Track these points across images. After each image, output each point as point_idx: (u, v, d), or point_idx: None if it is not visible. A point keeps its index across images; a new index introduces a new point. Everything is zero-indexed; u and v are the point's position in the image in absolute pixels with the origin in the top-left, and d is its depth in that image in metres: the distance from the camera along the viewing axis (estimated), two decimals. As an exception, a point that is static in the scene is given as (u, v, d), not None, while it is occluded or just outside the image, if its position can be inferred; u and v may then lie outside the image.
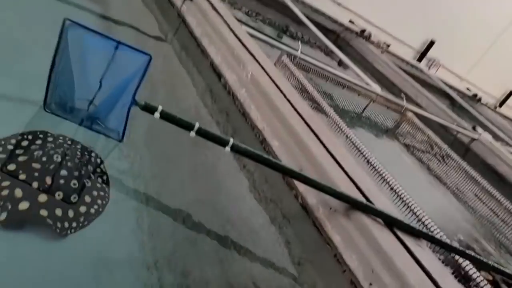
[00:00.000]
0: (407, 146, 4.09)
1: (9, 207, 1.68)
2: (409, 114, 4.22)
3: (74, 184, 2.00)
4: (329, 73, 3.77)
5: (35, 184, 1.81)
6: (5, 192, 1.72)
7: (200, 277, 1.96)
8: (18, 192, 1.74)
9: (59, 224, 1.75)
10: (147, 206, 2.19)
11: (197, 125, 1.48)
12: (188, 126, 1.48)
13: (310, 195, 1.81)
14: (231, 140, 1.54)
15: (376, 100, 4.09)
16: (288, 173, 1.64)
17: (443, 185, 3.68)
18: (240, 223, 1.98)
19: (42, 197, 1.77)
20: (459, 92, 7.43)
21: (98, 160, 2.21)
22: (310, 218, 1.79)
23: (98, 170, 2.18)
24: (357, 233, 1.65)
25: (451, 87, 7.05)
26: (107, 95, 1.50)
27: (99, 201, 1.99)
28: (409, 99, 4.85)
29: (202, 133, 1.51)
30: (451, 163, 3.81)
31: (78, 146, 2.16)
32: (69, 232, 1.77)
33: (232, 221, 2.00)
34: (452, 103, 6.67)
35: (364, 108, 4.07)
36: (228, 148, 1.53)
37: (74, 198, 1.90)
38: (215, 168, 2.18)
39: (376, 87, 4.10)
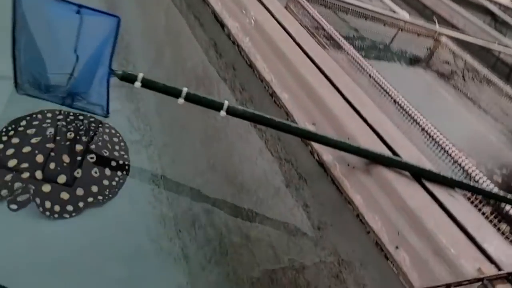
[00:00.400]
0: (442, 76, 3.75)
1: (32, 188, 1.69)
2: (443, 39, 3.82)
3: (92, 158, 1.94)
4: (349, 5, 3.42)
5: (52, 165, 1.78)
6: (25, 175, 1.72)
7: (221, 246, 1.88)
8: (39, 174, 1.73)
9: (81, 204, 1.73)
10: (163, 177, 2.11)
11: (185, 91, 1.31)
12: (175, 93, 1.32)
13: (326, 152, 1.63)
14: (226, 103, 1.36)
15: (405, 28, 3.71)
16: (294, 132, 1.46)
17: (485, 115, 3.36)
18: (255, 187, 1.85)
19: (61, 179, 1.76)
20: (501, 5, 6.72)
21: (113, 131, 2.15)
22: (328, 177, 1.62)
23: (115, 140, 2.12)
24: (379, 190, 1.47)
25: (491, 0, 6.38)
26: (82, 66, 1.34)
27: (119, 173, 1.94)
28: (444, 22, 4.40)
29: (192, 98, 1.35)
30: (493, 89, 3.45)
31: (92, 119, 2.10)
32: (99, 201, 1.76)
33: (247, 186, 1.87)
34: (494, 18, 6.05)
35: (392, 39, 3.71)
36: (223, 112, 1.36)
37: (95, 173, 1.86)
38: (226, 130, 2.03)
39: (404, 14, 3.71)
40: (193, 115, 2.26)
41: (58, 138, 1.91)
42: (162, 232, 1.92)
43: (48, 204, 1.68)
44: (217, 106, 1.36)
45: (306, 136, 1.49)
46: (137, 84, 1.25)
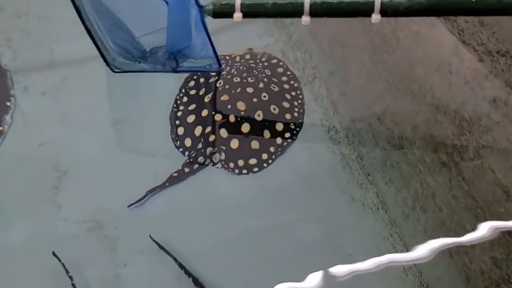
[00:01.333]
0: None
1: (224, 148, 1.67)
2: None
3: (265, 96, 1.82)
4: None
5: (231, 118, 1.72)
6: (212, 138, 1.70)
7: (424, 188, 1.42)
8: (224, 132, 1.70)
9: (272, 148, 1.69)
10: (336, 113, 1.74)
11: (307, 3, 0.83)
12: (294, 10, 0.85)
13: None
14: (377, 1, 0.82)
15: None
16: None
17: None
18: (457, 104, 1.26)
19: (245, 127, 1.71)
20: None
21: (275, 61, 2.00)
22: None
23: (279, 70, 1.96)
24: None
25: None
26: (173, 14, 0.96)
27: (295, 103, 1.84)
28: None
29: (322, 10, 0.86)
30: None
31: (248, 57, 1.99)
32: (294, 138, 1.72)
33: (444, 104, 1.30)
34: None
35: None
36: (376, 16, 0.82)
37: (274, 109, 1.76)
38: (397, 34, 1.44)
39: None
40: (351, 26, 1.72)
41: (227, 87, 1.82)
42: (350, 179, 1.62)
43: (241, 162, 1.65)
44: (364, 9, 0.84)
45: None
46: (237, 16, 0.83)
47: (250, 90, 1.82)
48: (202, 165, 1.67)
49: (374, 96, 1.60)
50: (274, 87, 1.88)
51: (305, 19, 0.84)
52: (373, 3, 0.83)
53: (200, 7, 0.87)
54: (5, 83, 1.81)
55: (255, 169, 1.64)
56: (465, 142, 1.23)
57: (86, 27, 0.99)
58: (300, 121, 1.78)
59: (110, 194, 1.62)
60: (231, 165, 1.65)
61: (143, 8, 0.97)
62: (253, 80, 1.88)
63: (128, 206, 1.53)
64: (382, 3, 0.82)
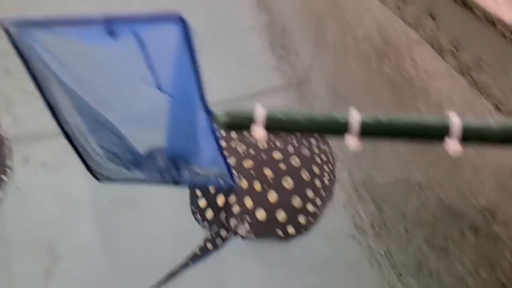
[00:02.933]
0: None
1: (248, 219, 1.49)
2: None
3: (295, 160, 1.62)
4: None
5: (257, 186, 1.53)
6: (236, 209, 1.52)
7: None
8: (248, 202, 1.52)
9: (302, 219, 1.50)
10: (360, 198, 1.54)
11: (355, 118, 0.57)
12: (337, 127, 0.58)
13: None
14: (453, 123, 0.55)
15: None
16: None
17: None
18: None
19: (272, 196, 1.52)
20: None
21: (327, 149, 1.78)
22: None
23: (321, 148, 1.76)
24: None
25: None
26: (170, 114, 0.70)
27: (329, 167, 1.65)
28: None
29: (377, 128, 0.59)
30: None
31: None
32: (322, 205, 1.54)
33: (503, 216, 1.00)
34: None
35: None
36: (454, 145, 0.56)
37: (305, 175, 1.58)
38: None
39: None
40: (384, 97, 1.47)
41: (251, 152, 1.64)
42: (377, 278, 1.38)
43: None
44: (437, 131, 0.57)
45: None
46: (259, 132, 0.57)
47: (277, 155, 1.61)
48: (226, 239, 1.47)
49: (409, 186, 1.32)
50: (305, 149, 1.66)
51: (353, 143, 0.58)
52: (447, 124, 0.56)
53: (208, 113, 0.61)
54: (2, 152, 1.58)
55: (290, 238, 1.45)
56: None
57: (63, 129, 0.73)
58: (331, 188, 1.58)
59: (111, 284, 1.37)
60: (257, 235, 1.47)
61: (135, 101, 0.71)
62: (280, 146, 1.65)
63: None
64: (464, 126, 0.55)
